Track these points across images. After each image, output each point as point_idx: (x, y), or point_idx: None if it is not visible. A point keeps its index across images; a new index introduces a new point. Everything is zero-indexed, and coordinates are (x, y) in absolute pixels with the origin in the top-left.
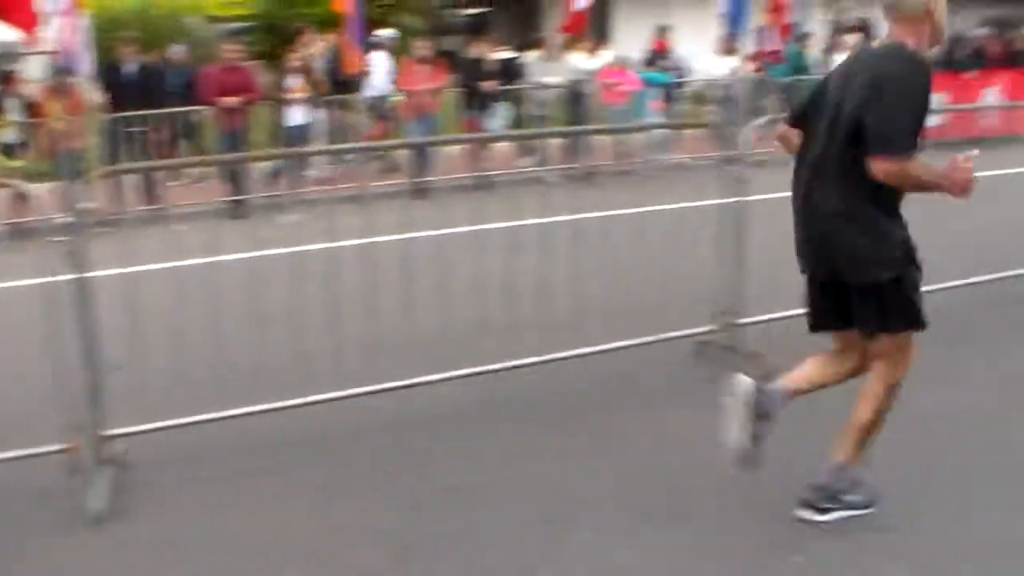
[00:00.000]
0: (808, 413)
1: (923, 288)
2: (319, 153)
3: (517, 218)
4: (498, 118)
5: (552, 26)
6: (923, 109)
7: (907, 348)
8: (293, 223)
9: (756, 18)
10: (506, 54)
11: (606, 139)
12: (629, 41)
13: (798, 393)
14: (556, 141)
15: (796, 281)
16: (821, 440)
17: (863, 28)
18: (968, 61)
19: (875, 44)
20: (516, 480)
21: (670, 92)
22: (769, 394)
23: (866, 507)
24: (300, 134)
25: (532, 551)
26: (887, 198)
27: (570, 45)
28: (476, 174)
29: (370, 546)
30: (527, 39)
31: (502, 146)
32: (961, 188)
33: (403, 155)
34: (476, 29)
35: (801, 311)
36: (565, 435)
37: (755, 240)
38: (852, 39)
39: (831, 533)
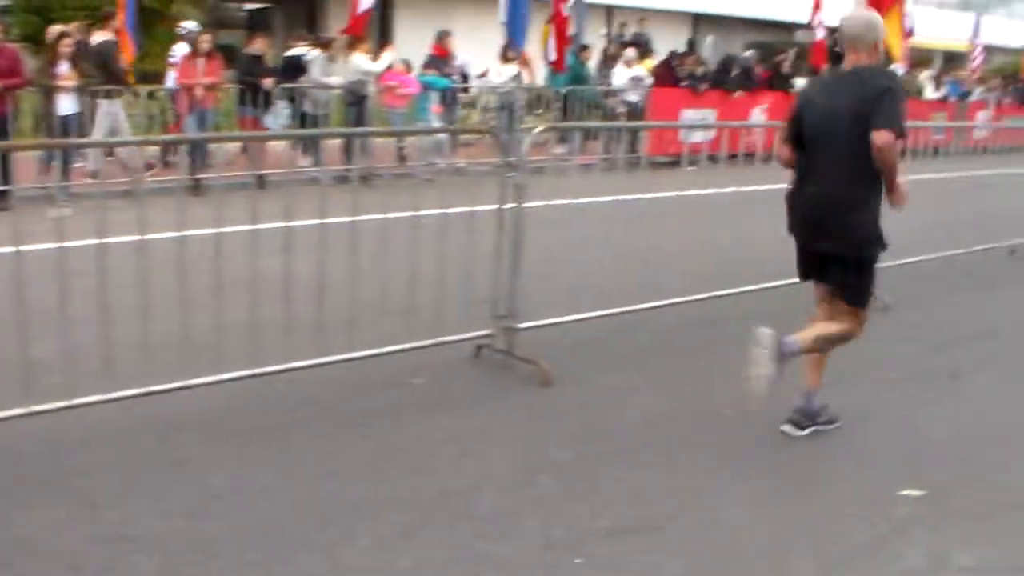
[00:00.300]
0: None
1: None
2: (88, 145)
3: (294, 218)
4: (278, 116)
5: (333, 25)
6: (903, 111)
7: (863, 315)
8: (61, 217)
9: (537, 28)
10: (294, 51)
11: (386, 141)
12: (411, 44)
13: (810, 351)
14: (335, 142)
15: (573, 287)
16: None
17: (639, 44)
18: (737, 82)
19: (849, 69)
20: (290, 485)
21: (450, 97)
22: (787, 344)
23: (831, 423)
24: (71, 124)
25: (305, 560)
26: (878, 193)
27: (353, 46)
28: (253, 172)
29: (140, 554)
30: (310, 38)
31: (282, 145)
32: (902, 195)
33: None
34: (256, 25)
35: (577, 316)
36: (340, 439)
37: (532, 245)
38: (630, 53)
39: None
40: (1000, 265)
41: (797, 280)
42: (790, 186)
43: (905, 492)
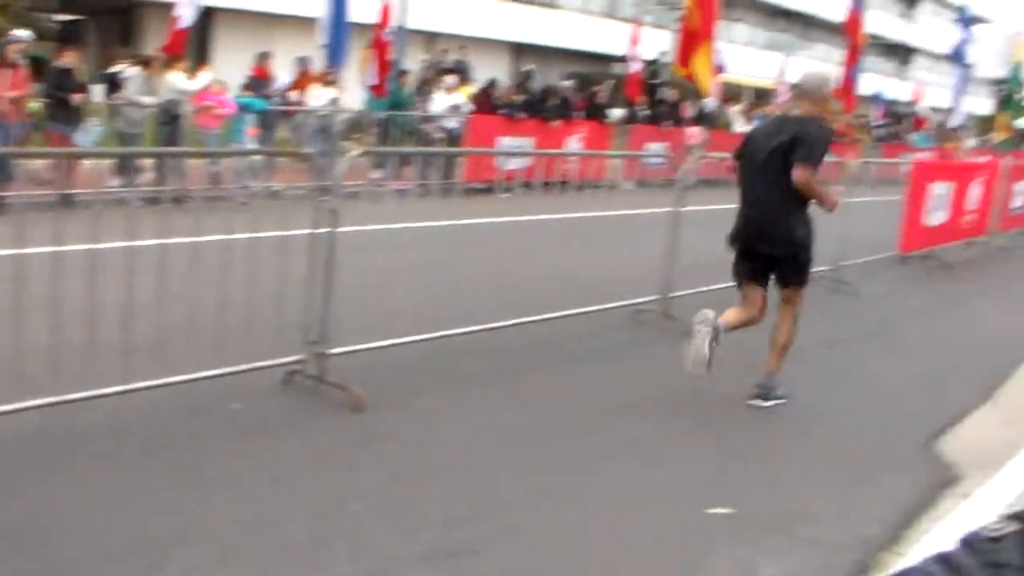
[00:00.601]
0: None
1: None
2: None
3: (101, 239)
4: (88, 133)
5: (150, 41)
6: (824, 153)
7: (803, 294)
8: None
9: (358, 53)
10: (113, 68)
11: (199, 163)
12: (228, 65)
13: (730, 328)
14: (147, 162)
15: (387, 312)
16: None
17: (459, 71)
18: (555, 111)
19: (792, 113)
20: (95, 517)
21: (267, 119)
22: (720, 325)
23: (784, 398)
24: None
25: None
26: (803, 210)
27: (170, 64)
28: (60, 191)
29: None
30: (130, 54)
31: (92, 163)
32: (832, 204)
33: None
34: (68, 37)
35: (391, 341)
36: (147, 468)
37: (346, 270)
38: (450, 80)
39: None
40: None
41: (607, 306)
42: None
43: (713, 510)
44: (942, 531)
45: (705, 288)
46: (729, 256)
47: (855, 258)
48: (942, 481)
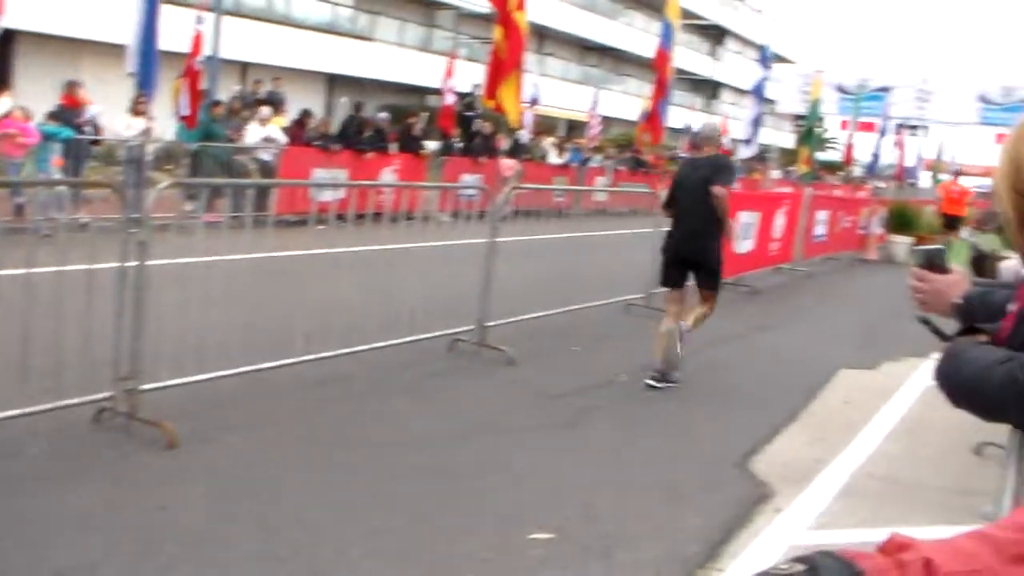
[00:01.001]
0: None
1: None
2: None
3: None
4: None
5: None
6: (735, 177)
7: (715, 299)
8: None
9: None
10: None
11: (1, 193)
12: (32, 91)
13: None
14: None
15: (200, 346)
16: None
17: (272, 101)
18: (369, 143)
19: (704, 156)
20: None
21: (74, 149)
22: (682, 327)
23: (678, 381)
24: None
25: None
26: (720, 230)
27: None
28: None
29: None
30: None
31: None
32: (731, 230)
33: None
34: None
35: (205, 376)
36: None
37: (157, 304)
38: (264, 111)
39: None
40: (616, 319)
41: (424, 336)
42: (670, 227)
43: (534, 536)
44: (758, 546)
45: (520, 317)
46: (541, 286)
47: None
48: (756, 497)
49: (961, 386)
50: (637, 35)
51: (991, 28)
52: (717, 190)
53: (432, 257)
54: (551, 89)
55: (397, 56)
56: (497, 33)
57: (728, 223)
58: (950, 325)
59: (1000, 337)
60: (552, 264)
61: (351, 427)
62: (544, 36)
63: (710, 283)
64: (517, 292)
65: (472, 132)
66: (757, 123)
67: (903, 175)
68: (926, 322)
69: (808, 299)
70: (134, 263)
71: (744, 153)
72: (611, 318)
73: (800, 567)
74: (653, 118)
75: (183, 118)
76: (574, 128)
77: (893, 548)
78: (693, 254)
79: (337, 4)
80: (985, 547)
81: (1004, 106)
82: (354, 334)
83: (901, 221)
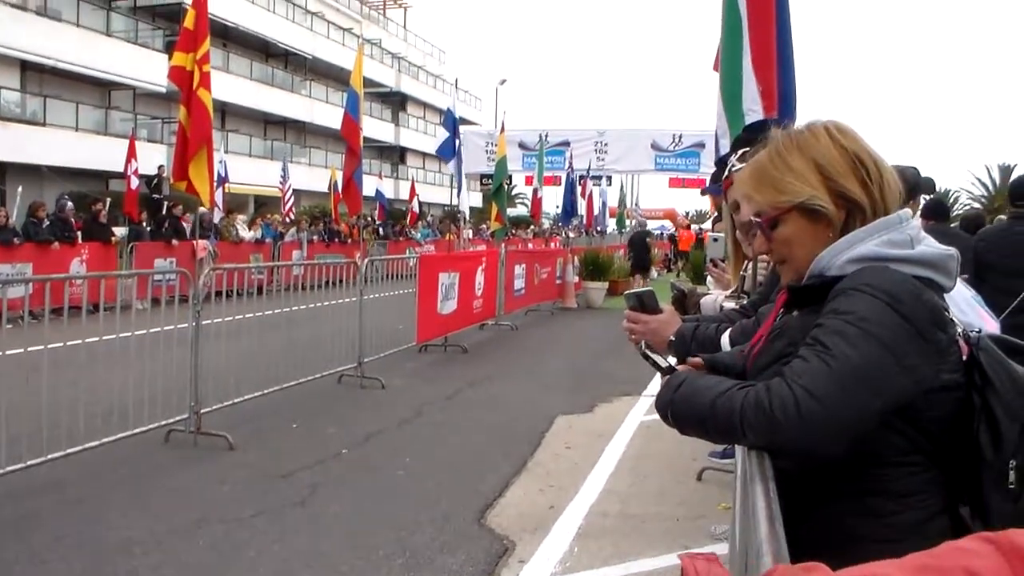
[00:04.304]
0: None
1: None
2: None
3: None
4: None
5: None
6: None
7: None
8: None
9: None
10: None
11: None
12: None
13: None
14: None
15: None
16: None
17: None
18: (53, 232)
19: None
20: None
21: None
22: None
23: None
24: None
25: None
26: None
27: None
28: None
29: None
30: None
31: None
32: None
33: None
34: None
35: None
36: None
37: None
38: None
39: None
40: (332, 391)
41: (137, 431)
42: None
43: None
44: None
45: (235, 400)
46: (252, 366)
47: (377, 353)
48: (499, 551)
49: (694, 414)
50: (320, 106)
51: (662, 80)
52: None
53: (136, 347)
54: (238, 166)
55: (73, 140)
56: (181, 112)
57: None
58: (667, 359)
59: (752, 354)
60: (261, 343)
61: (71, 536)
62: (227, 112)
63: None
64: (229, 374)
65: (162, 215)
66: (459, 183)
67: (592, 224)
68: (647, 357)
69: (516, 351)
70: None
71: (462, 209)
72: (326, 391)
73: None
74: (349, 187)
75: None
76: (263, 204)
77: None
78: None
79: (2, 88)
80: (891, 566)
81: (674, 152)
82: (63, 437)
83: (594, 268)
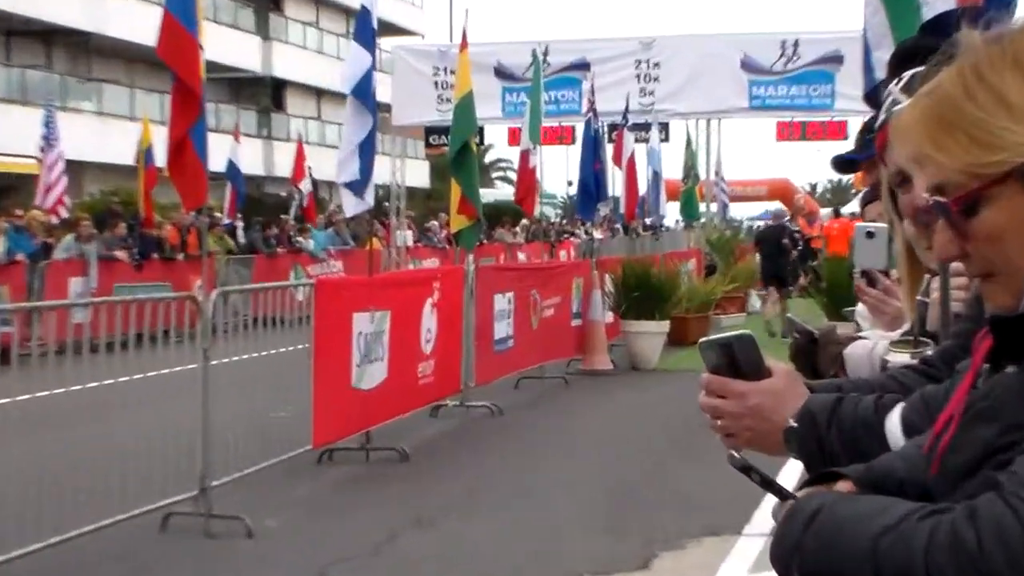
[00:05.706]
0: None
1: None
2: None
3: None
4: None
5: None
6: None
7: None
8: None
9: None
10: None
11: None
12: None
13: None
14: None
15: None
16: None
17: None
18: None
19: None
20: None
21: None
22: None
23: None
24: None
25: None
26: None
27: None
28: None
29: None
30: None
31: None
32: None
33: None
34: None
35: None
36: None
37: None
38: None
39: None
40: (148, 546)
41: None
42: None
43: None
44: None
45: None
46: None
47: (238, 469)
48: None
49: (840, 567)
50: (117, 6)
51: None
52: None
53: None
54: None
55: None
56: None
57: None
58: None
59: (939, 449)
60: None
61: None
62: None
63: None
64: None
65: None
66: None
67: (634, 212)
68: (747, 469)
69: (500, 455)
70: None
71: None
72: (138, 546)
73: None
74: (180, 156)
75: None
76: (5, 189)
77: None
78: None
79: None
80: None
81: (785, 75)
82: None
83: (642, 296)
